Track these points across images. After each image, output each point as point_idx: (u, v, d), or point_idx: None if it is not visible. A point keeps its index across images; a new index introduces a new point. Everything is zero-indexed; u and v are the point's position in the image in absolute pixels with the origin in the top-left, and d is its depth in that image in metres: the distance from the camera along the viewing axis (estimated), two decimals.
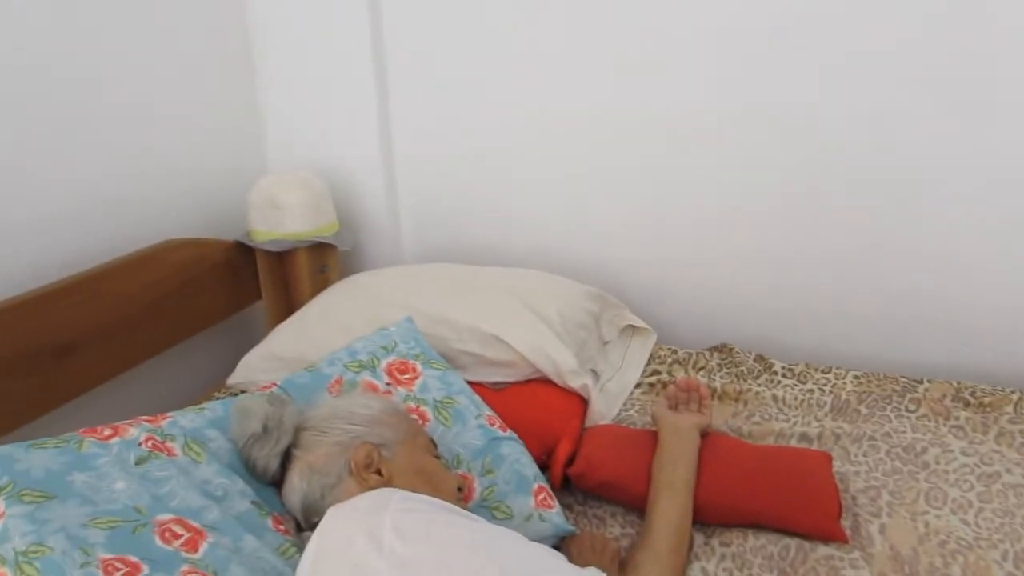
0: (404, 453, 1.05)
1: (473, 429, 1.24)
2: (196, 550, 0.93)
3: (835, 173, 1.63)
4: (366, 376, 1.29)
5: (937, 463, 1.31)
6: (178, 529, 0.94)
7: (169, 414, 1.11)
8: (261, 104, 2.00)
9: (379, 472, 1.00)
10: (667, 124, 1.72)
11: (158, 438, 1.04)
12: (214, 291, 1.80)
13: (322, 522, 0.89)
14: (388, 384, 1.29)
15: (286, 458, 1.06)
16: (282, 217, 1.82)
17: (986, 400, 1.47)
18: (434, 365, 1.33)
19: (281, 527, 1.05)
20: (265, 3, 1.89)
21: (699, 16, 1.61)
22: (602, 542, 1.13)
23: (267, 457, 1.06)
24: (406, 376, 1.30)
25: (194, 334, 1.74)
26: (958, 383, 1.53)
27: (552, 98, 1.79)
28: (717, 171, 1.72)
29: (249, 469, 1.08)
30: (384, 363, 1.31)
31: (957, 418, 1.44)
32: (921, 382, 1.55)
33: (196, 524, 0.96)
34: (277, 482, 1.08)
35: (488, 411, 1.29)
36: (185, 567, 0.90)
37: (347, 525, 0.84)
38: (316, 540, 0.86)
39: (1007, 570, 1.09)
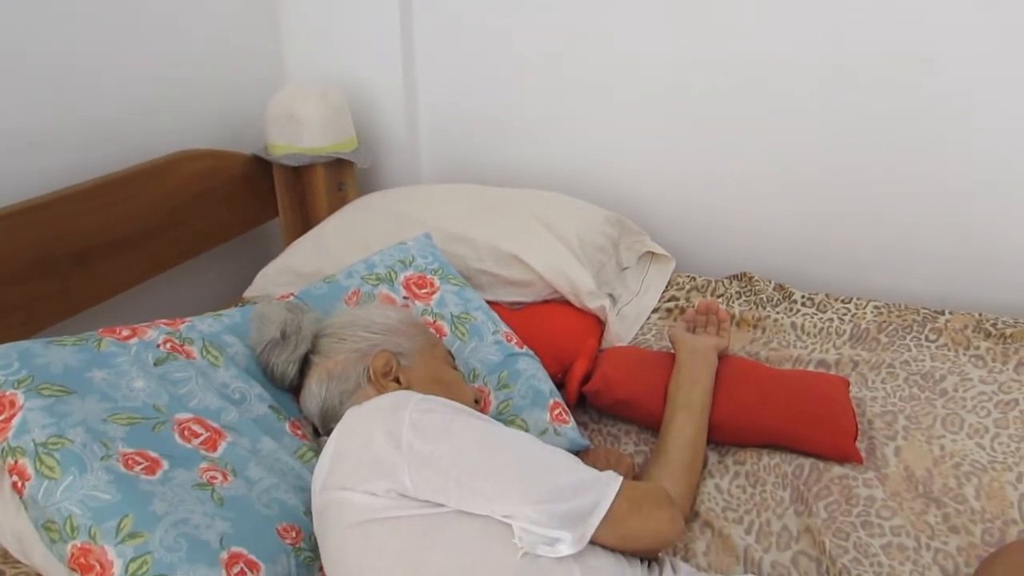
0: (422, 362, 1.05)
1: (490, 344, 1.24)
2: (215, 449, 0.94)
3: (856, 98, 1.58)
4: (384, 289, 1.28)
5: (955, 390, 1.31)
6: (197, 428, 0.95)
7: (188, 319, 1.11)
8: (282, 14, 1.94)
9: (397, 380, 1.01)
10: (692, 55, 1.66)
11: (176, 341, 1.04)
12: (230, 204, 1.79)
13: (340, 422, 0.89)
14: (406, 298, 1.28)
15: (304, 365, 1.07)
16: (300, 131, 1.79)
17: (1007, 332, 1.45)
18: (452, 280, 1.32)
19: (299, 432, 1.06)
20: None
21: None
22: (616, 456, 1.13)
23: (285, 363, 1.06)
24: (424, 290, 1.29)
25: (211, 248, 1.74)
26: (980, 315, 1.51)
27: (584, 23, 1.73)
28: (741, 98, 1.67)
29: (267, 375, 1.09)
30: (402, 276, 1.30)
31: (978, 348, 1.42)
32: (943, 313, 1.53)
33: (215, 424, 0.97)
34: (295, 388, 1.09)
35: (505, 327, 1.29)
36: (204, 464, 0.91)
37: (366, 424, 0.85)
38: (335, 439, 0.87)
39: (1021, 491, 1.09)
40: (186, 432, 0.94)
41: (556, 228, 1.52)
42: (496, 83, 1.90)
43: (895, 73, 1.54)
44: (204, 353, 1.06)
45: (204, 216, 1.69)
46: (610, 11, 1.71)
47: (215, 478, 0.90)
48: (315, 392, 1.03)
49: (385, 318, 1.08)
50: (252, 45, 1.92)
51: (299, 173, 1.87)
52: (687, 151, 1.78)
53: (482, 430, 0.84)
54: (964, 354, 1.41)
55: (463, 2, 1.84)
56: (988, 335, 1.45)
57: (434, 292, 1.29)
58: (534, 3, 1.77)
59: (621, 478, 0.82)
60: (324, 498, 0.84)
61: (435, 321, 1.25)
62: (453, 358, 1.13)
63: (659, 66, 1.72)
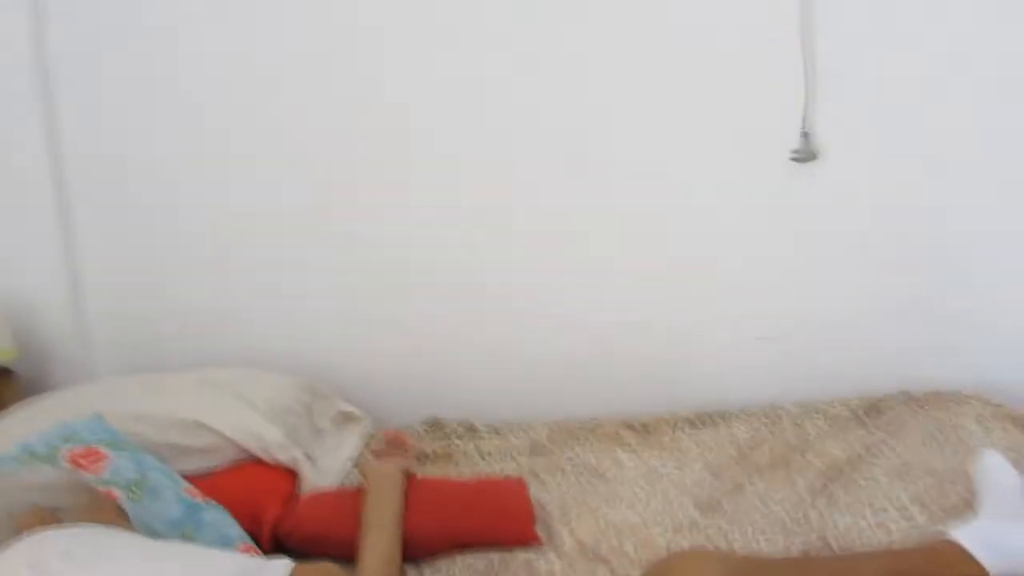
0: (87, 520, 0.99)
1: (170, 502, 1.19)
2: None
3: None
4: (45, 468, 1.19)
5: (613, 475, 1.52)
6: None
7: None
8: None
9: None
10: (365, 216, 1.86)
11: None
12: None
13: None
14: (73, 472, 1.20)
15: None
16: None
17: (648, 425, 1.73)
18: (124, 448, 1.27)
19: None
20: None
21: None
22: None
23: None
24: (92, 461, 1.22)
25: None
26: (624, 419, 1.77)
27: (245, 198, 1.86)
28: (416, 245, 1.87)
29: None
30: (66, 452, 1.22)
31: (627, 440, 1.67)
32: (598, 420, 1.78)
33: None
34: None
35: (187, 484, 1.25)
36: None
37: (7, 564, 0.79)
38: None
39: (667, 537, 1.28)
40: None
41: (240, 394, 1.54)
42: (169, 279, 1.92)
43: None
44: None
45: None
46: (276, 193, 1.87)
47: None
48: None
49: (44, 477, 1.02)
50: None
51: None
52: (371, 316, 1.93)
53: (137, 544, 0.82)
54: (617, 446, 1.65)
55: (130, 204, 1.89)
56: (634, 429, 1.72)
57: (103, 461, 1.22)
58: (199, 205, 1.87)
59: (292, 565, 0.85)
60: None
61: (109, 489, 1.18)
62: (126, 516, 1.08)
63: (323, 240, 1.87)
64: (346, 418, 1.83)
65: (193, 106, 1.83)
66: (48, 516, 0.95)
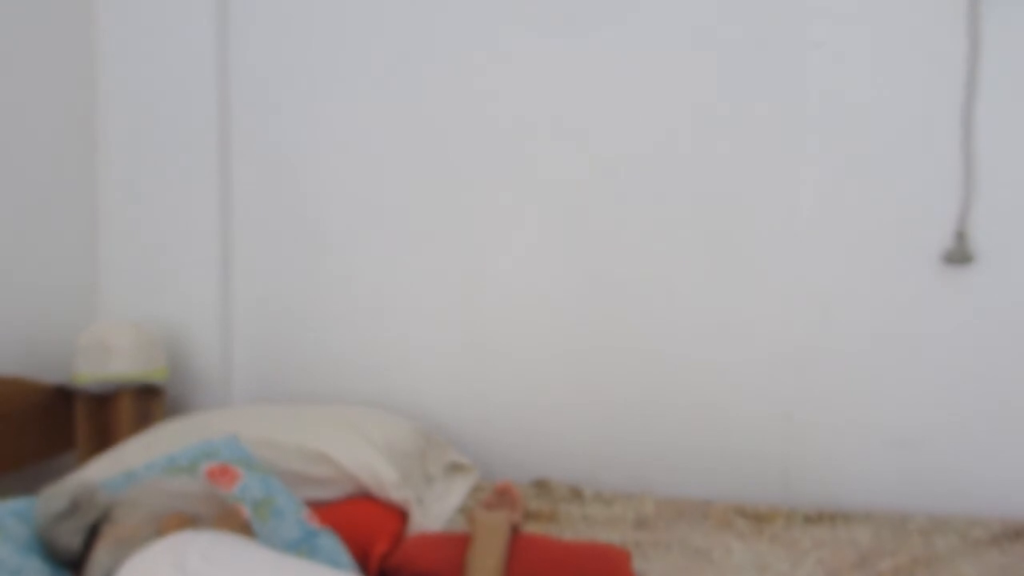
0: (219, 529, 1.07)
1: (291, 524, 1.26)
2: None
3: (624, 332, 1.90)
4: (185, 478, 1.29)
5: (721, 560, 1.47)
6: None
7: None
8: (100, 253, 2.05)
9: None
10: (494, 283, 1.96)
11: None
12: (24, 433, 1.74)
13: (123, 566, 0.89)
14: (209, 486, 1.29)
15: (92, 536, 1.05)
16: (110, 359, 1.81)
17: (762, 513, 1.67)
18: (257, 469, 1.36)
19: None
20: (115, 156, 2.02)
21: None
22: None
23: (72, 532, 1.04)
24: (227, 479, 1.32)
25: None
26: (740, 502, 1.72)
27: (394, 254, 2.00)
28: (533, 325, 1.95)
29: (50, 550, 1.05)
30: (204, 467, 1.33)
31: (738, 526, 1.62)
32: (710, 503, 1.73)
33: None
34: (78, 562, 1.05)
35: (307, 510, 1.32)
36: None
37: (149, 559, 0.86)
38: None
39: None
40: None
41: (363, 431, 1.62)
42: (305, 320, 2.06)
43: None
44: None
45: None
46: (422, 255, 1.99)
47: None
48: (101, 561, 1.00)
49: (184, 485, 1.11)
50: (67, 279, 1.98)
51: (103, 403, 1.85)
52: (487, 376, 1.99)
53: (270, 556, 0.88)
54: (728, 532, 1.60)
55: (283, 249, 2.06)
56: (746, 516, 1.66)
57: (237, 480, 1.32)
58: (341, 263, 2.02)
59: None
60: None
61: (239, 505, 1.27)
62: (253, 531, 1.15)
63: (456, 305, 1.98)
64: (457, 468, 1.87)
65: (350, 158, 2.00)
66: (188, 521, 1.03)
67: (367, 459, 1.52)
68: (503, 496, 1.44)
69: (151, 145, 2.02)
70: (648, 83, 1.84)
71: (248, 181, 2.05)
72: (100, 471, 1.51)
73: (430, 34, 1.93)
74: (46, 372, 1.84)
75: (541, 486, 1.83)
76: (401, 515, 1.50)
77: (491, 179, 1.94)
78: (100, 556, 1.01)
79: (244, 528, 1.12)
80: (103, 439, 1.86)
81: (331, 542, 1.26)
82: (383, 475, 1.50)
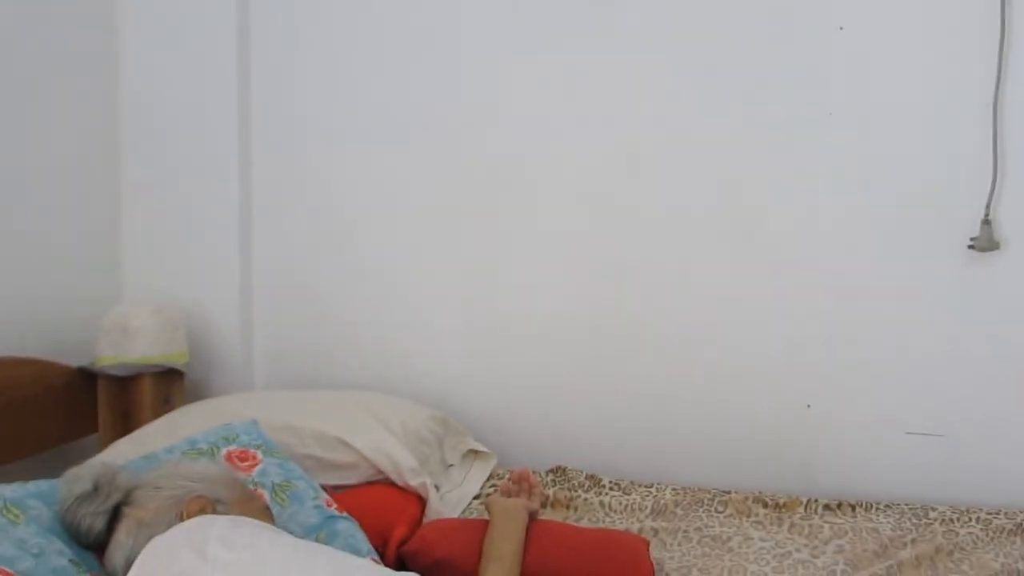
0: (239, 512, 1.07)
1: (309, 509, 1.27)
2: None
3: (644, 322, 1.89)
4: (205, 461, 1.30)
5: (740, 548, 1.46)
6: None
7: None
8: (123, 236, 2.06)
9: None
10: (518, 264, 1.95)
11: None
12: (47, 416, 1.75)
13: (144, 549, 0.90)
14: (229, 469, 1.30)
15: (113, 518, 1.06)
16: (131, 341, 1.83)
17: (781, 502, 1.65)
18: (275, 454, 1.37)
19: None
20: (138, 137, 2.03)
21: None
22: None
23: (93, 515, 1.05)
24: (246, 463, 1.33)
25: (21, 458, 1.67)
26: (759, 491, 1.71)
27: (414, 241, 1.99)
28: (554, 313, 1.94)
29: (73, 532, 1.06)
30: (224, 451, 1.34)
31: (757, 515, 1.61)
32: (729, 492, 1.72)
33: (8, 569, 0.93)
34: (100, 544, 1.06)
35: (325, 495, 1.33)
36: None
37: (170, 543, 0.87)
38: (137, 563, 0.87)
39: None
40: None
41: (381, 417, 1.62)
42: (326, 307, 2.06)
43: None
44: (4, 512, 1.04)
45: (16, 425, 1.64)
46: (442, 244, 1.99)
47: None
48: (123, 543, 1.02)
49: (205, 468, 1.11)
50: (89, 261, 1.99)
51: (125, 386, 1.87)
52: (507, 364, 1.99)
53: (289, 540, 0.88)
54: (747, 520, 1.59)
55: (303, 234, 2.06)
56: (766, 505, 1.65)
57: (256, 464, 1.33)
58: (362, 249, 2.02)
59: None
60: None
61: (256, 489, 1.27)
62: (272, 515, 1.16)
63: (479, 294, 1.97)
64: (475, 455, 1.87)
65: (371, 142, 2.00)
66: (208, 505, 1.04)
67: (385, 445, 1.52)
68: (521, 483, 1.44)
69: (174, 131, 2.02)
70: (671, 67, 1.82)
71: (269, 166, 2.05)
72: (121, 453, 1.53)
73: (455, 17, 1.92)
74: (68, 355, 1.86)
75: (559, 473, 1.82)
76: (419, 501, 1.51)
77: (514, 165, 1.93)
78: (122, 538, 1.02)
79: (263, 513, 1.12)
80: (124, 422, 1.87)
81: (349, 527, 1.27)
82: (401, 461, 1.50)
